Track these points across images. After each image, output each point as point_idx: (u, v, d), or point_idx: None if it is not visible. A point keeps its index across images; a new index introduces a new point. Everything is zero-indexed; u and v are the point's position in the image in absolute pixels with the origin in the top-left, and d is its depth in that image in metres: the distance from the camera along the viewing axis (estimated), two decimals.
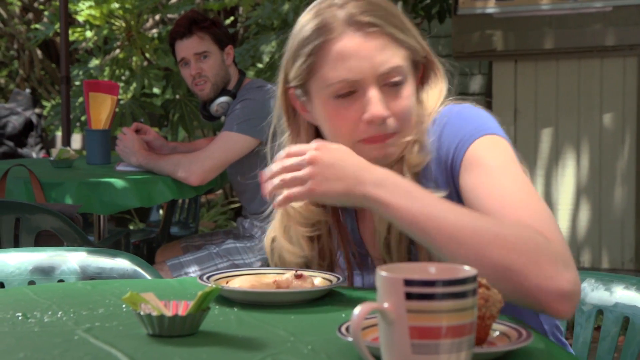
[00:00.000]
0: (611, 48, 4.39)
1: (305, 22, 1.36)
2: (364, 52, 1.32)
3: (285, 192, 1.23)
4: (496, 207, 1.22)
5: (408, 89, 1.36)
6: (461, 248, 1.14)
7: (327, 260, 1.44)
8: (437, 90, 1.41)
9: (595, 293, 1.53)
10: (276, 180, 1.23)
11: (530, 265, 1.13)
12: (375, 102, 1.32)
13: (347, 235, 1.44)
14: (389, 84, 1.34)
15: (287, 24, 4.68)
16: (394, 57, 1.34)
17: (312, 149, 1.23)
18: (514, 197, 1.23)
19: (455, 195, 1.30)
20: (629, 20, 4.35)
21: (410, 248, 1.34)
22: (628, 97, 4.38)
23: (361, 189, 1.20)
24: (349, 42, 1.32)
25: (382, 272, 0.91)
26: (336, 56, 1.33)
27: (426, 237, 1.17)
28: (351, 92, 1.33)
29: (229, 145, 3.07)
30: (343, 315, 1.20)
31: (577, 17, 4.44)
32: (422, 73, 1.41)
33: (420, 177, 1.34)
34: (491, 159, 1.27)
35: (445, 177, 1.32)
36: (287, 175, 1.22)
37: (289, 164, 1.22)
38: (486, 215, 1.20)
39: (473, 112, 1.35)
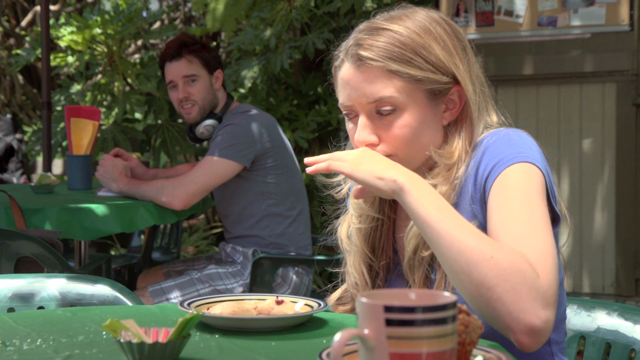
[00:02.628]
0: (590, 74, 4.44)
1: None
2: (354, 82, 1.40)
3: (329, 164, 1.35)
4: (504, 233, 1.28)
5: (407, 118, 1.39)
6: (458, 257, 1.22)
7: (380, 259, 1.49)
8: (465, 134, 1.42)
9: (578, 319, 1.54)
10: (323, 157, 1.35)
11: (510, 293, 1.18)
12: (359, 129, 1.41)
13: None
14: (380, 113, 1.39)
15: (268, 50, 4.70)
16: (384, 89, 1.38)
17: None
18: (524, 228, 1.27)
19: (486, 213, 1.36)
20: (607, 47, 4.40)
21: (429, 273, 1.41)
22: (607, 122, 4.42)
23: (394, 174, 1.31)
24: (346, 72, 1.41)
25: (362, 299, 0.92)
26: (339, 82, 1.43)
27: (433, 238, 1.26)
28: (354, 115, 1.43)
29: (212, 170, 3.07)
30: (324, 341, 1.20)
31: (557, 43, 4.49)
32: (461, 104, 1.43)
33: (457, 193, 1.39)
34: (517, 186, 1.32)
35: (480, 194, 1.37)
36: (336, 154, 1.36)
37: (340, 153, 1.37)
38: (489, 238, 1.25)
39: (520, 137, 1.39)
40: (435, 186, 1.38)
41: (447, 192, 1.38)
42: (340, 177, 1.51)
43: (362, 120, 1.40)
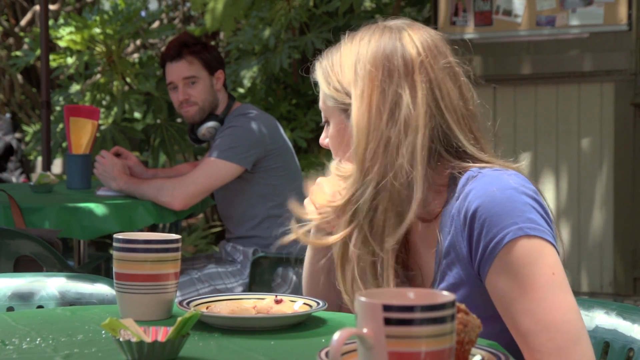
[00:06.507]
0: (588, 74, 4.45)
1: None
2: None
3: None
4: (526, 331, 1.29)
5: (330, 130, 1.45)
6: None
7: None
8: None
9: None
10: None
11: None
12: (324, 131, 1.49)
13: None
14: None
15: (268, 49, 4.70)
16: (319, 99, 1.46)
17: None
18: (543, 323, 1.28)
19: (472, 279, 1.34)
20: (605, 47, 4.41)
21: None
22: (605, 121, 4.43)
23: None
24: None
25: (361, 298, 0.92)
26: None
27: None
28: None
29: (213, 171, 3.07)
30: (323, 340, 1.20)
31: (555, 43, 4.49)
32: None
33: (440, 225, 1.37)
34: (531, 273, 1.28)
35: (470, 257, 1.33)
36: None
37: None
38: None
39: (505, 195, 1.30)
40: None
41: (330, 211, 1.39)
42: None
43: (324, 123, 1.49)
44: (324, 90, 1.43)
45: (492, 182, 1.32)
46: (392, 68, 1.36)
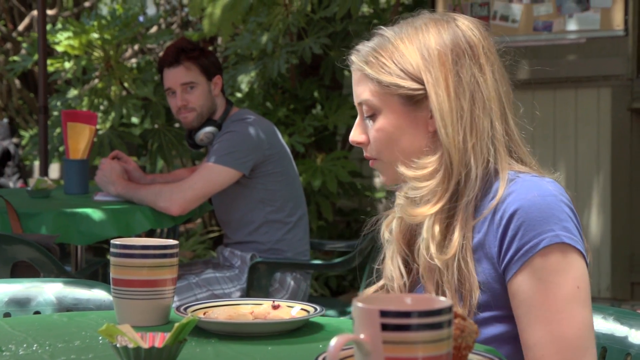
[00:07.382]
0: (585, 79, 4.45)
1: None
2: (352, 83, 1.47)
3: None
4: (536, 340, 1.30)
5: (381, 122, 1.42)
6: None
7: (415, 255, 1.46)
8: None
9: None
10: None
11: None
12: (353, 128, 1.47)
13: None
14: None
15: (265, 54, 4.71)
16: (363, 92, 1.43)
17: None
18: (556, 334, 1.29)
19: (496, 279, 1.34)
20: (602, 52, 4.42)
21: (438, 291, 1.40)
22: (602, 126, 4.44)
23: None
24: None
25: (358, 303, 0.92)
26: None
27: None
28: None
29: (211, 177, 3.06)
30: (320, 346, 1.20)
31: (552, 48, 4.50)
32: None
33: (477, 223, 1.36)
34: (557, 281, 1.29)
35: (499, 257, 1.33)
36: None
37: None
38: None
39: (549, 204, 1.32)
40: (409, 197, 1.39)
41: (423, 200, 1.37)
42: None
43: (357, 119, 1.46)
44: (382, 80, 1.39)
45: (532, 187, 1.34)
46: (460, 53, 1.38)
